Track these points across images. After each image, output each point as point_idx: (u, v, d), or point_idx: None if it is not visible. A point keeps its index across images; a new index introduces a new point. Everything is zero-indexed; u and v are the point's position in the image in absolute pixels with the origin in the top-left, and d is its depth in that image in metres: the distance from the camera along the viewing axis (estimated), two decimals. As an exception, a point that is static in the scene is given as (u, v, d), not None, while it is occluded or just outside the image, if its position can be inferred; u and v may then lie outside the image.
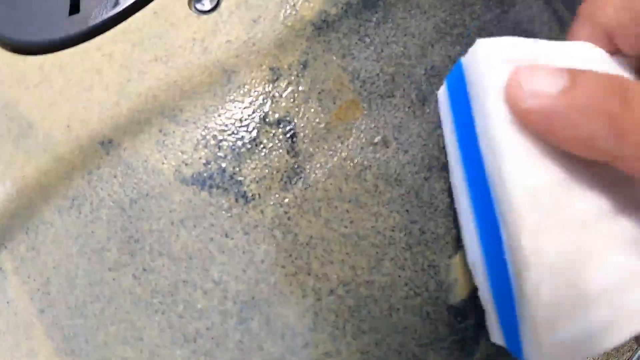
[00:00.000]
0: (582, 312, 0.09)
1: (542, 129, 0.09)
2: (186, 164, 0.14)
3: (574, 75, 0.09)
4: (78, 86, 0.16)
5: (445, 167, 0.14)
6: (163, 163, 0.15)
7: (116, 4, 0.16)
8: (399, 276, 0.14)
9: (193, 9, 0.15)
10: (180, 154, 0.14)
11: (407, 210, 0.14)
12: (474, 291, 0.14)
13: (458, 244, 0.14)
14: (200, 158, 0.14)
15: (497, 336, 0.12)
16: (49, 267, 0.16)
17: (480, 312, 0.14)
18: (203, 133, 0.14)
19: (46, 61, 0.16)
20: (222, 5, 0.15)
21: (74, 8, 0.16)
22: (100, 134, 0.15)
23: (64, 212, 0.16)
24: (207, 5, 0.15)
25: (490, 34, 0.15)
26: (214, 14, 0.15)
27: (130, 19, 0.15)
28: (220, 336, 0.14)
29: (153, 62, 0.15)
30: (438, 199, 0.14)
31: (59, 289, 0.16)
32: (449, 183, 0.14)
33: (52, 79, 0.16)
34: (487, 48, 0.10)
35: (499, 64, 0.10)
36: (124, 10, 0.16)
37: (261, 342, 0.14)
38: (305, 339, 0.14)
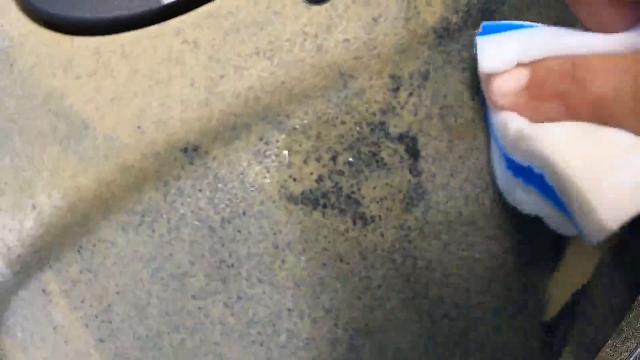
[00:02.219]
0: (622, 161, 0.08)
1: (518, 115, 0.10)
2: (294, 180, 0.10)
3: (533, 69, 0.09)
4: (150, 79, 0.10)
5: None
6: (265, 177, 0.10)
7: (196, -21, 0.10)
8: (506, 297, 0.11)
9: None
10: (286, 167, 0.10)
11: (518, 232, 0.11)
12: (563, 308, 0.12)
13: (555, 263, 0.12)
14: (311, 173, 0.10)
15: (567, 229, 0.10)
16: (110, 293, 0.11)
17: (564, 326, 0.12)
18: (315, 144, 0.10)
19: (102, 45, 0.10)
20: None
21: (139, -21, 0.10)
22: (183, 139, 0.10)
23: (130, 230, 0.11)
24: None
25: None
26: (327, 5, 0.10)
27: (219, 1, 0.10)
28: (328, 366, 0.10)
29: (254, 56, 0.10)
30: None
31: (125, 318, 0.11)
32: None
33: (113, 67, 0.10)
34: (484, 49, 0.10)
35: (489, 64, 0.09)
36: (208, -13, 0.10)
37: (371, 369, 0.11)
38: (415, 362, 0.11)
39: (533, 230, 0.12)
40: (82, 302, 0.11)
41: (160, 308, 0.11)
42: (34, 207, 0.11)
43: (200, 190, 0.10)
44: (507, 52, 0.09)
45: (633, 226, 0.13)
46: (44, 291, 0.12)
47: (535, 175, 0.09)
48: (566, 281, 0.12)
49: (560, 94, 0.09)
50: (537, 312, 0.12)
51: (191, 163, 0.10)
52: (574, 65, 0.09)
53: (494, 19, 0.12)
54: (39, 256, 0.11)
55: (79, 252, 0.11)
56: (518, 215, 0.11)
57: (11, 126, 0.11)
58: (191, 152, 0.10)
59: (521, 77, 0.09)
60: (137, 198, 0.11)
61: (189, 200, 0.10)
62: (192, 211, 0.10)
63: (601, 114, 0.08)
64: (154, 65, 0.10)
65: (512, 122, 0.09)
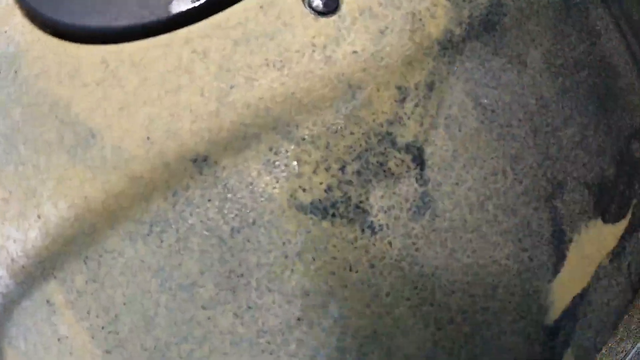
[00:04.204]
0: None
1: None
2: (304, 190, 0.10)
3: None
4: (160, 88, 0.10)
5: (550, 197, 0.11)
6: (274, 187, 0.10)
7: (205, -10, 0.10)
8: (509, 302, 0.11)
9: (307, 7, 0.10)
10: (295, 177, 0.10)
11: (519, 239, 0.11)
12: (564, 312, 0.12)
13: (555, 269, 0.12)
14: (320, 183, 0.10)
15: None
16: (117, 303, 0.10)
17: (565, 330, 0.12)
18: (324, 155, 0.10)
19: (111, 54, 0.10)
20: (343, 9, 0.10)
21: (149, -11, 0.10)
22: (193, 150, 0.10)
23: (138, 240, 0.10)
24: (322, 5, 0.10)
25: (583, 67, 0.13)
26: (335, 17, 0.10)
27: (229, 11, 0.10)
28: (337, 374, 0.10)
29: (264, 67, 0.09)
30: (544, 227, 0.12)
31: (132, 328, 0.10)
32: (554, 212, 0.11)
33: (121, 76, 0.10)
34: None
35: None
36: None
37: (379, 376, 0.10)
38: (422, 368, 0.11)
39: (534, 236, 0.12)
40: (88, 313, 0.11)
41: (169, 318, 0.10)
42: (39, 216, 0.10)
43: (209, 200, 0.10)
44: None
45: (631, 231, 0.13)
46: (48, 302, 0.11)
47: None
48: (567, 285, 0.12)
49: None
50: (539, 317, 0.12)
51: (200, 173, 0.10)
52: None
53: (496, 31, 0.12)
54: (44, 267, 0.11)
55: (85, 262, 0.11)
56: (522, 222, 0.11)
57: (16, 134, 0.11)
58: (201, 162, 0.10)
59: None
60: (145, 208, 0.10)
61: (198, 210, 0.10)
62: (201, 221, 0.10)
63: None
64: (163, 74, 0.10)
65: None
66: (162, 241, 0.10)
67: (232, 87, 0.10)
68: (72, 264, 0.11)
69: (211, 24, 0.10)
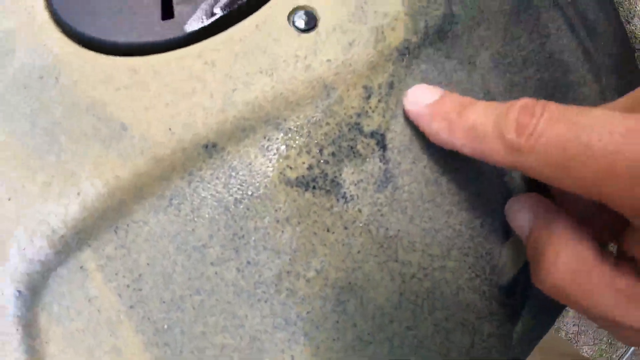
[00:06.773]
0: None
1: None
2: (290, 168, 0.13)
3: (443, 94, 0.12)
4: (177, 92, 0.13)
5: (500, 173, 0.15)
6: (268, 167, 0.13)
7: (212, 14, 0.13)
8: (464, 261, 0.14)
9: (292, 25, 0.13)
10: (284, 159, 0.13)
11: (472, 208, 0.14)
12: (518, 273, 0.15)
13: (507, 233, 0.15)
14: (303, 163, 0.13)
15: None
16: (141, 265, 0.13)
17: (522, 289, 0.15)
18: (306, 141, 0.13)
19: (137, 64, 0.13)
20: (320, 27, 0.13)
21: (167, 12, 0.13)
22: (205, 138, 0.12)
23: (160, 212, 0.13)
24: (303, 24, 0.13)
25: (532, 63, 0.16)
26: (313, 34, 0.13)
27: (231, 30, 0.13)
28: (320, 319, 0.13)
29: (258, 74, 0.12)
30: (496, 197, 0.15)
31: (153, 285, 0.13)
32: (506, 186, 0.15)
33: (147, 82, 0.13)
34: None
35: None
36: (221, 20, 0.13)
37: (355, 321, 0.13)
38: (391, 316, 0.13)
39: (487, 206, 0.15)
40: (116, 274, 0.14)
41: (184, 275, 0.13)
42: (78, 194, 0.14)
43: (217, 178, 0.13)
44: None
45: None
46: (81, 268, 0.14)
47: None
48: (519, 248, 0.15)
49: (449, 119, 0.11)
50: (493, 276, 0.15)
51: (210, 157, 0.13)
52: (465, 103, 0.11)
53: (448, 38, 0.15)
54: (80, 237, 0.14)
55: (115, 232, 0.14)
56: (474, 194, 0.15)
57: (57, 128, 0.14)
58: (211, 148, 0.13)
59: (434, 94, 0.12)
60: (166, 185, 0.13)
61: (208, 185, 0.13)
62: (211, 194, 0.13)
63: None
64: (181, 80, 0.13)
65: None
66: (179, 211, 0.13)
67: (234, 90, 0.13)
68: (104, 234, 0.13)
69: (219, 40, 0.13)
